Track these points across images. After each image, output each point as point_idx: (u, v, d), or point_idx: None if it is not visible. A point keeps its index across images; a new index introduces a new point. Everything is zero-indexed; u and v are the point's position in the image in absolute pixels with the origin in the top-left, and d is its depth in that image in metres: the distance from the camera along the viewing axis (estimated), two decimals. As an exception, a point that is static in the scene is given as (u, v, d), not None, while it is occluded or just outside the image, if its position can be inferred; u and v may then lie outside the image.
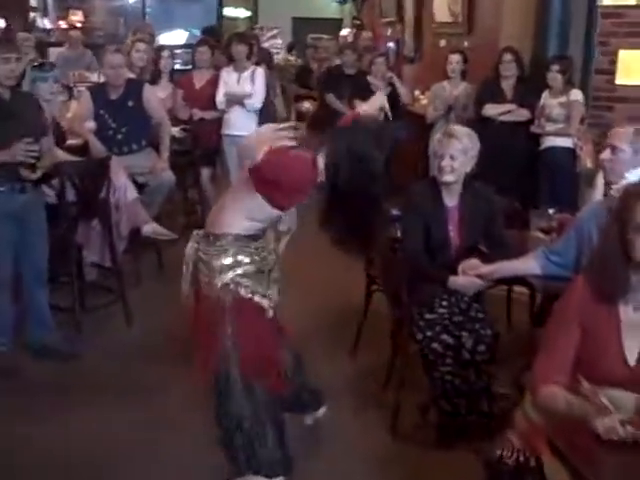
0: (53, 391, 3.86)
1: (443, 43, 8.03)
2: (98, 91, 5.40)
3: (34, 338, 4.20)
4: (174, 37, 12.59)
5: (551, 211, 3.74)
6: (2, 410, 3.61)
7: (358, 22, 12.11)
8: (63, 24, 12.61)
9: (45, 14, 13.47)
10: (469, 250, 3.46)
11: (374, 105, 3.35)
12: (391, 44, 9.98)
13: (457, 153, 3.36)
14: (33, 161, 3.77)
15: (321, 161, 2.68)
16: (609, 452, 1.91)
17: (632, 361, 2.14)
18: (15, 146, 3.70)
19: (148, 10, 12.49)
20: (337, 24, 13.69)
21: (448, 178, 3.38)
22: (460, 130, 3.56)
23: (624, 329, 2.15)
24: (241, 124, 6.19)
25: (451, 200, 3.48)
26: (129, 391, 3.84)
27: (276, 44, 13.05)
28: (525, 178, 5.86)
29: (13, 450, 3.30)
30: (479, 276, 3.24)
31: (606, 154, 3.22)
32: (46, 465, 3.20)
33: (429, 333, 3.18)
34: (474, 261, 3.27)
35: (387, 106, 3.39)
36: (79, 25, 11.90)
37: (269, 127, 2.79)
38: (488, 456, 2.24)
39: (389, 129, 2.83)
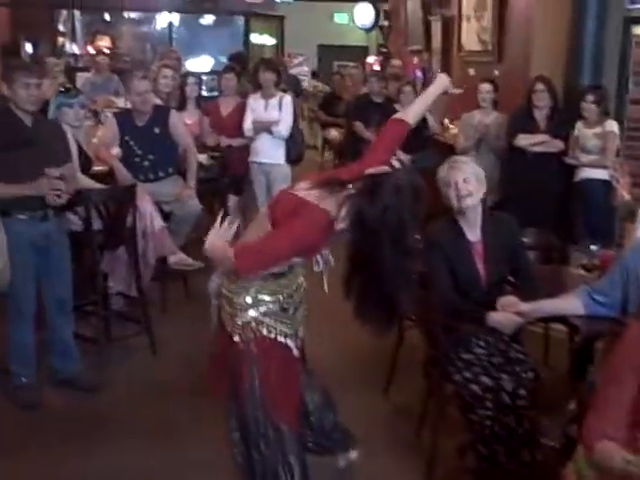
0: (75, 425, 3.77)
1: (472, 72, 7.94)
2: (124, 117, 5.34)
3: (57, 369, 4.11)
4: (201, 64, 12.64)
5: (593, 247, 3.60)
6: (22, 443, 3.52)
7: (384, 50, 12.09)
8: (91, 49, 12.70)
9: (73, 39, 13.60)
10: (498, 283, 3.35)
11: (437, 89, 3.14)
12: (418, 72, 9.91)
13: (469, 176, 3.28)
14: (58, 193, 3.71)
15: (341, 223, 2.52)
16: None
17: None
18: (40, 181, 3.65)
19: (175, 36, 12.54)
20: (363, 51, 13.70)
21: (468, 202, 3.27)
22: (462, 158, 3.58)
23: None
24: (269, 151, 6.15)
25: (473, 234, 3.36)
26: (152, 427, 3.75)
27: (302, 71, 13.07)
28: (559, 211, 5.73)
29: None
30: (518, 313, 3.11)
31: None
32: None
33: (467, 374, 3.05)
34: (512, 298, 3.14)
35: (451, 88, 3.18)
36: (106, 51, 11.95)
37: (212, 233, 2.52)
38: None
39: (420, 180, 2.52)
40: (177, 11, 12.47)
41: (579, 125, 5.66)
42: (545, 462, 2.96)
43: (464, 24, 8.21)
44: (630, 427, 2.02)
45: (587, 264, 3.52)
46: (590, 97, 5.58)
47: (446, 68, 8.88)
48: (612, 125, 5.58)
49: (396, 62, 9.59)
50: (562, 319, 3.40)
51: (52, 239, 3.88)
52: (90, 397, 4.03)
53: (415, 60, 10.21)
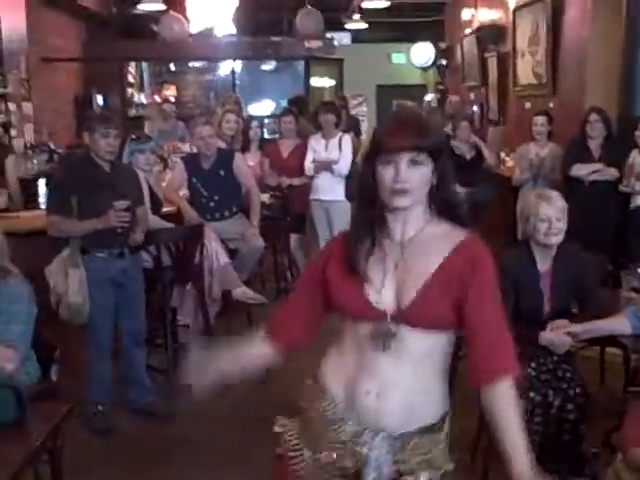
0: (146, 449, 3.97)
1: (528, 105, 8.05)
2: (191, 161, 5.64)
3: (132, 399, 4.35)
4: (263, 107, 13.02)
5: (640, 270, 3.69)
6: (98, 465, 3.73)
7: (442, 87, 12.28)
8: (157, 98, 13.21)
9: (141, 90, 14.16)
10: (560, 315, 3.42)
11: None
12: (475, 108, 10.07)
13: (561, 215, 3.36)
14: (126, 225, 3.98)
15: None
16: None
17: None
18: (109, 213, 3.92)
19: (238, 82, 12.95)
20: (421, 90, 13.90)
21: (556, 240, 3.36)
22: (555, 193, 3.57)
23: None
24: (329, 189, 6.38)
25: (544, 264, 3.45)
26: (218, 453, 3.91)
27: (362, 111, 13.34)
28: (616, 238, 5.78)
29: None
30: (569, 334, 3.20)
31: None
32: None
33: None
34: (564, 320, 3.25)
35: None
36: (172, 99, 12.43)
37: None
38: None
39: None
40: (240, 58, 12.89)
41: (634, 153, 5.72)
42: (592, 472, 3.03)
43: (519, 59, 8.35)
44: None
45: (637, 286, 3.60)
46: (643, 126, 5.65)
47: (502, 102, 9.03)
48: (666, 152, 5.63)
49: (455, 98, 9.74)
50: (615, 341, 3.49)
51: (128, 275, 4.15)
52: (162, 425, 4.23)
53: (472, 96, 10.38)
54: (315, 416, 1.96)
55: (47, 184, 4.94)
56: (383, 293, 1.84)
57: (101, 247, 4.03)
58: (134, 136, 5.10)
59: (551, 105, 7.30)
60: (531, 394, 3.16)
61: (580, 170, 5.90)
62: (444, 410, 1.92)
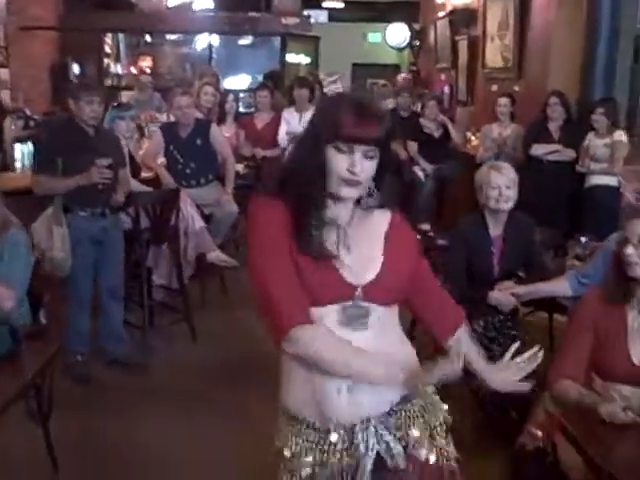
0: (122, 396, 4.25)
1: (495, 87, 8.34)
2: (169, 129, 5.86)
3: (108, 350, 4.61)
4: (238, 82, 13.18)
5: (583, 239, 4.01)
6: (78, 409, 3.99)
7: (415, 68, 12.54)
8: (133, 69, 13.32)
9: (117, 60, 14.23)
10: (509, 277, 3.75)
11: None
12: (446, 89, 10.34)
13: (511, 184, 3.67)
14: (107, 181, 4.21)
15: None
16: (615, 435, 2.19)
17: (637, 361, 2.41)
18: (91, 170, 4.16)
19: (214, 56, 13.08)
20: (395, 70, 14.12)
21: (506, 206, 3.68)
22: (506, 164, 3.92)
23: (630, 332, 2.43)
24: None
25: (495, 230, 3.77)
26: (190, 401, 4.19)
27: (337, 88, 13.55)
28: (571, 214, 6.12)
29: (86, 440, 3.71)
30: (514, 295, 3.52)
31: None
32: (111, 455, 3.60)
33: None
34: (510, 282, 3.57)
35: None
36: (148, 70, 12.54)
37: None
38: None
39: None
40: (217, 32, 13.01)
41: (590, 136, 6.05)
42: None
43: (488, 43, 8.63)
44: (587, 370, 2.45)
45: (580, 254, 3.93)
46: (600, 109, 5.97)
47: (471, 84, 9.33)
48: (620, 135, 5.96)
49: (403, 76, 9.89)
50: (561, 308, 3.82)
51: (109, 234, 4.40)
52: (136, 375, 4.51)
53: (443, 77, 10.65)
54: (304, 448, 1.84)
55: (34, 146, 5.13)
56: (347, 270, 1.80)
57: (84, 206, 4.27)
58: (115, 104, 5.31)
59: (517, 88, 7.59)
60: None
61: (539, 150, 6.23)
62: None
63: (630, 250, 2.44)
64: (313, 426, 1.83)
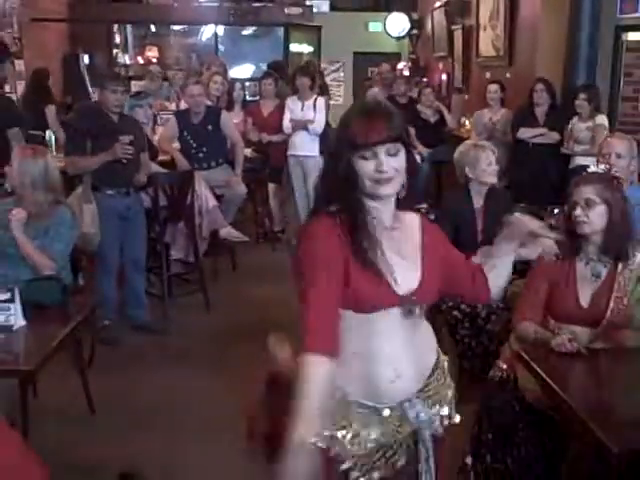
0: (145, 357, 4.76)
1: (488, 75, 8.79)
2: (182, 116, 6.35)
3: (132, 317, 5.11)
4: (244, 71, 13.62)
5: (556, 210, 4.48)
6: (105, 367, 4.44)
7: (414, 56, 12.97)
8: (140, 59, 13.76)
9: (125, 51, 14.66)
10: (491, 242, 4.22)
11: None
12: (443, 76, 10.79)
13: (494, 160, 4.18)
14: (129, 156, 4.67)
15: None
16: (565, 363, 2.68)
17: (585, 304, 2.90)
18: (115, 146, 4.64)
19: (220, 47, 13.51)
20: (395, 58, 14.50)
21: (494, 179, 4.19)
22: (488, 143, 4.43)
23: (579, 280, 2.92)
24: (305, 146, 7.11)
25: (478, 202, 4.27)
26: (204, 361, 4.69)
27: (339, 77, 13.99)
28: (556, 194, 6.55)
29: (111, 395, 4.17)
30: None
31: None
32: (137, 405, 4.10)
33: (450, 303, 3.96)
34: (487, 247, 4.05)
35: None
36: (154, 60, 12.97)
37: None
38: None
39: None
40: (221, 23, 13.42)
41: (574, 120, 6.50)
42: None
43: (481, 32, 9.08)
44: (544, 313, 2.94)
45: (553, 224, 4.39)
46: (583, 95, 6.42)
47: (466, 72, 9.77)
48: (602, 119, 6.40)
49: (385, 67, 10.28)
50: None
51: (132, 211, 4.91)
52: (157, 339, 5.02)
53: (440, 65, 11.10)
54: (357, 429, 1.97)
55: (66, 131, 5.61)
56: (397, 278, 1.94)
57: (110, 186, 4.76)
58: (133, 92, 5.78)
59: (508, 75, 8.05)
60: (462, 306, 3.95)
61: (525, 133, 6.69)
62: (436, 345, 2.15)
63: (578, 212, 2.91)
64: (364, 406, 1.98)
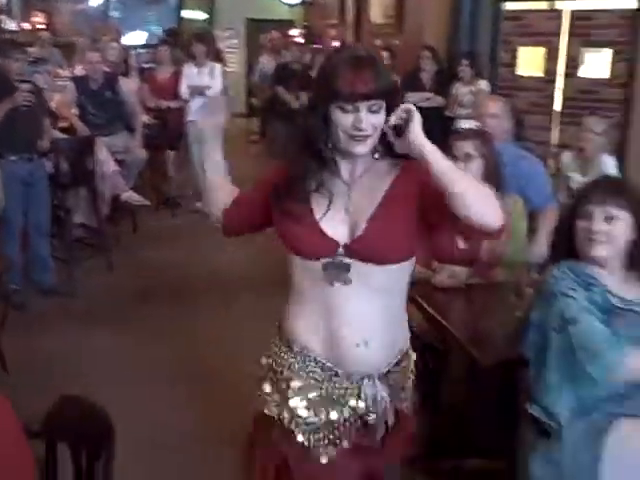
0: (52, 319, 4.86)
1: (379, 42, 9.12)
2: (81, 82, 6.40)
3: (38, 281, 5.21)
4: (137, 37, 13.49)
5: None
6: (17, 330, 4.46)
7: (307, 24, 13.19)
8: (27, 25, 13.39)
9: (10, 15, 14.22)
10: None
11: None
12: (335, 43, 11.05)
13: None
14: (29, 103, 4.73)
15: None
16: (446, 298, 3.05)
17: (461, 246, 3.25)
18: (16, 95, 4.71)
19: (112, 13, 13.34)
20: (288, 25, 14.68)
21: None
22: None
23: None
24: (203, 111, 7.24)
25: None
26: (110, 320, 4.86)
27: (232, 44, 14.06)
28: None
29: (25, 353, 4.31)
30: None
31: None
32: (48, 364, 4.21)
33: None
34: None
35: None
36: (43, 27, 12.65)
37: None
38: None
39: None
40: (112, -12, 13.26)
41: (457, 85, 6.92)
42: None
43: (372, 1, 9.40)
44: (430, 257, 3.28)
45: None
46: (465, 61, 6.85)
47: (358, 39, 10.08)
48: (483, 84, 6.85)
49: (275, 34, 10.49)
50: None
51: (36, 176, 4.99)
52: (63, 301, 5.13)
53: (333, 33, 11.35)
54: (300, 382, 1.94)
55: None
56: (336, 228, 1.85)
57: (13, 152, 4.83)
58: (31, 59, 5.80)
59: (397, 42, 8.40)
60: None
61: (412, 97, 7.04)
62: (408, 335, 2.05)
63: (461, 166, 3.23)
64: (321, 365, 1.91)
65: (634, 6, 6.62)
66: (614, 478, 2.01)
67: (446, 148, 6.40)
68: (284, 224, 1.88)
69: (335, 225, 1.85)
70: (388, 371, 1.95)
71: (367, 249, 1.83)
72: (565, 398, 2.15)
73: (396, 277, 1.91)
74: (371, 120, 1.77)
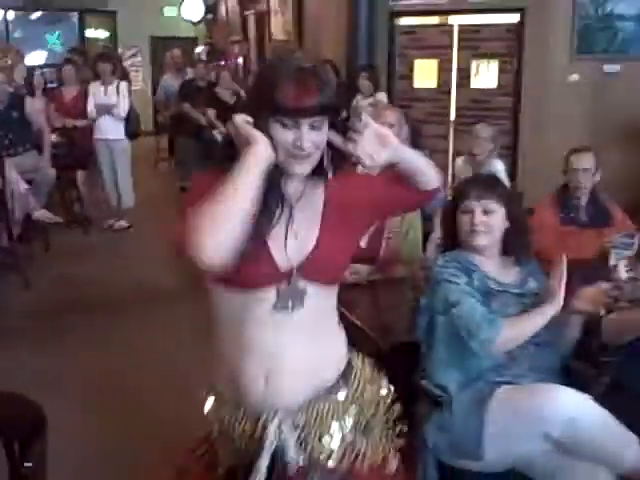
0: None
1: (282, 58, 9.41)
2: (-15, 103, 6.43)
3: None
4: (38, 57, 13.37)
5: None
6: None
7: (210, 40, 13.39)
8: None
9: None
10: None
11: None
12: (239, 60, 11.31)
13: None
14: None
15: None
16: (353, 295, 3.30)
17: (363, 245, 3.52)
18: None
19: (13, 34, 13.18)
20: (192, 42, 14.83)
21: None
22: None
23: None
24: (111, 129, 7.35)
25: None
26: (30, 335, 4.91)
27: (137, 62, 14.11)
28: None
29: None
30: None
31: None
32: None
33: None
34: None
35: None
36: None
37: None
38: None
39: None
40: (11, 8, 13.11)
41: (357, 97, 7.24)
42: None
43: (273, 18, 9.68)
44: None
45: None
46: (364, 74, 7.17)
47: (261, 55, 10.35)
48: (382, 95, 7.18)
49: (176, 52, 10.68)
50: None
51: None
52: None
53: (236, 49, 11.60)
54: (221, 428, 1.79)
55: None
56: (285, 251, 1.70)
57: None
58: None
59: (298, 58, 8.68)
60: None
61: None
62: (344, 364, 1.83)
63: None
64: (228, 406, 1.78)
65: (518, 20, 7.13)
66: (495, 438, 2.29)
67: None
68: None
69: (283, 248, 1.70)
70: (303, 408, 1.73)
71: (318, 269, 1.72)
72: (453, 371, 2.43)
73: (330, 295, 1.82)
74: (312, 137, 1.62)
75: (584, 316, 2.52)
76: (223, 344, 1.75)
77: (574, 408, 2.19)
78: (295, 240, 1.71)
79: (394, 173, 1.78)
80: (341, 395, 1.77)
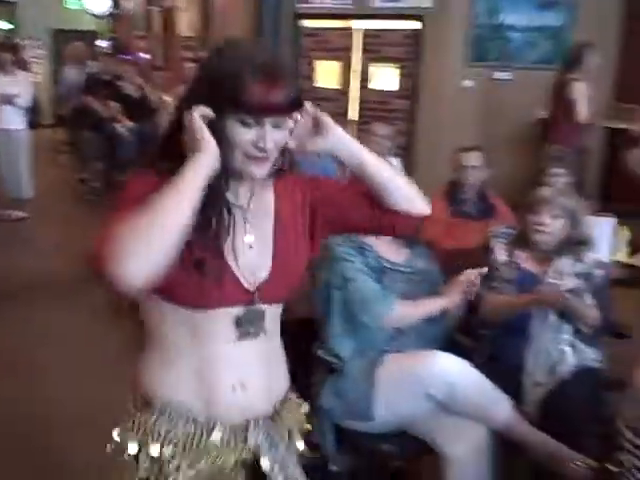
0: None
1: (188, 53, 9.47)
2: None
3: None
4: None
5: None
6: None
7: (115, 35, 13.27)
8: None
9: None
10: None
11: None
12: (143, 55, 11.25)
13: None
14: None
15: None
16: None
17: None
18: None
19: None
20: (93, 36, 14.60)
21: None
22: None
23: None
24: (12, 119, 7.26)
25: None
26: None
27: (39, 54, 13.83)
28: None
29: None
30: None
31: None
32: None
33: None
34: None
35: None
36: None
37: None
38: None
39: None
40: None
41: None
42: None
43: (179, 14, 9.74)
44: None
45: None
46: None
47: (166, 50, 10.38)
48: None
49: (79, 45, 10.58)
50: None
51: None
52: None
53: (141, 44, 11.55)
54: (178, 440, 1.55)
55: None
56: (243, 268, 1.53)
57: None
58: None
59: (201, 54, 8.77)
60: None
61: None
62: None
63: None
64: (194, 421, 1.57)
65: (418, 27, 7.46)
66: (384, 399, 2.52)
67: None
68: (179, 275, 1.43)
69: (240, 263, 1.53)
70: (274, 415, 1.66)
71: (279, 288, 1.58)
72: (347, 341, 2.64)
73: (279, 311, 1.67)
74: (275, 137, 1.46)
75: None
76: (181, 359, 1.56)
77: (452, 370, 2.46)
78: (254, 255, 1.55)
79: (363, 186, 1.63)
80: (290, 403, 1.72)
